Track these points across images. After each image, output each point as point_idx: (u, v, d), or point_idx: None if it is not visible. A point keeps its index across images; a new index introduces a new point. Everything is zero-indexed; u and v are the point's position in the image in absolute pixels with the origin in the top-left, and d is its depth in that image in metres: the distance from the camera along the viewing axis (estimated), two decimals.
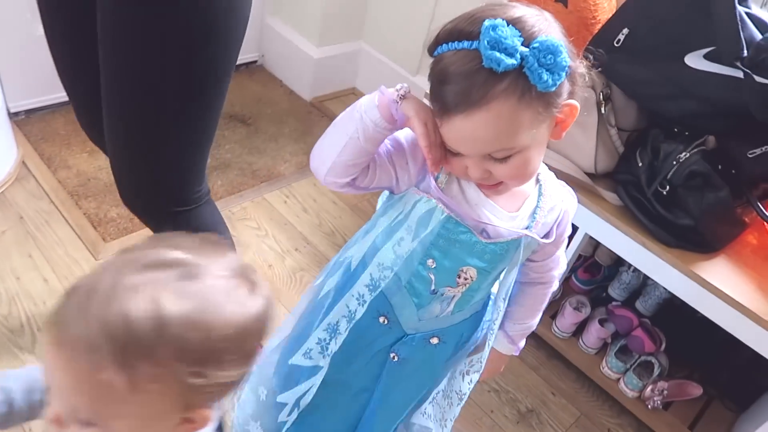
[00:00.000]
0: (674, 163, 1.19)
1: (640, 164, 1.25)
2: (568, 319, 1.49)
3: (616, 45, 1.24)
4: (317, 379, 0.89)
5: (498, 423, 1.41)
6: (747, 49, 1.09)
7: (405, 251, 0.78)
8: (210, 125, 0.97)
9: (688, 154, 1.18)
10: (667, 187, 1.20)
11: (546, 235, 0.80)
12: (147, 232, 1.61)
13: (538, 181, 0.79)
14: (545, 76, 0.59)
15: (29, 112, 1.90)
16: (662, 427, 1.39)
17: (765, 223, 1.28)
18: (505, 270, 0.81)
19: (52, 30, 0.99)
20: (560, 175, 1.35)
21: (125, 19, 0.84)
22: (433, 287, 0.79)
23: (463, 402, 0.99)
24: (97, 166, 1.78)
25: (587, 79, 0.67)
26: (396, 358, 0.88)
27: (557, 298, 1.57)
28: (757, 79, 1.09)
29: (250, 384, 1.01)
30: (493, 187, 0.70)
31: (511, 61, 0.58)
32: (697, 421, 1.42)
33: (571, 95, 0.65)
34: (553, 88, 0.60)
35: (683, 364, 1.50)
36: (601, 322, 1.47)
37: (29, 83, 1.84)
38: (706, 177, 1.17)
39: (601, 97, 1.27)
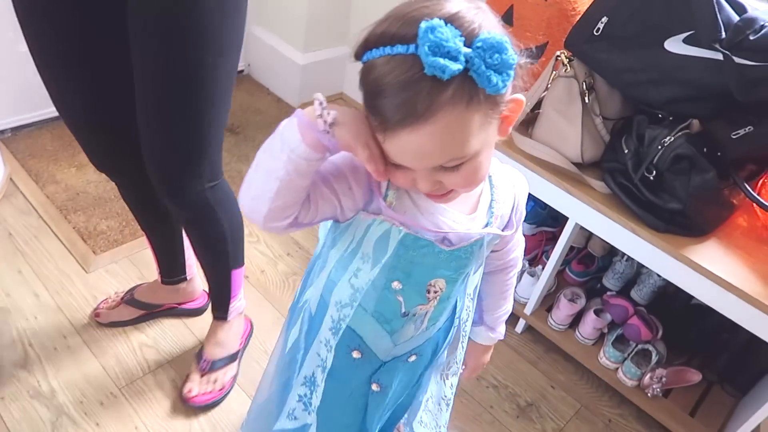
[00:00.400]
0: (659, 147, 1.19)
1: (626, 151, 1.25)
2: (563, 311, 1.48)
3: (595, 34, 1.25)
4: None
5: (498, 418, 1.40)
6: (725, 31, 1.10)
7: (364, 282, 0.73)
8: (230, 97, 1.02)
9: (672, 138, 1.18)
10: (654, 172, 1.20)
11: (506, 226, 0.78)
12: (137, 243, 1.61)
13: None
14: (494, 78, 0.54)
15: (15, 129, 1.89)
16: (663, 414, 1.38)
17: (754, 205, 1.28)
18: (471, 270, 0.78)
19: (40, 43, 0.97)
20: (547, 165, 1.36)
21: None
22: (403, 310, 0.76)
23: (451, 406, 0.99)
24: (85, 180, 1.78)
25: (528, 69, 0.62)
26: (378, 388, 0.85)
27: (552, 291, 1.57)
28: (737, 60, 1.09)
29: None
30: (443, 196, 0.65)
31: (456, 66, 0.52)
32: (698, 407, 1.41)
33: (515, 89, 0.61)
34: (504, 90, 0.56)
35: (681, 352, 1.49)
36: (597, 313, 1.47)
37: (14, 101, 1.84)
38: (692, 160, 1.17)
39: (584, 86, 1.28)
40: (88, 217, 1.67)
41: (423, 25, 0.52)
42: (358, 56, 0.59)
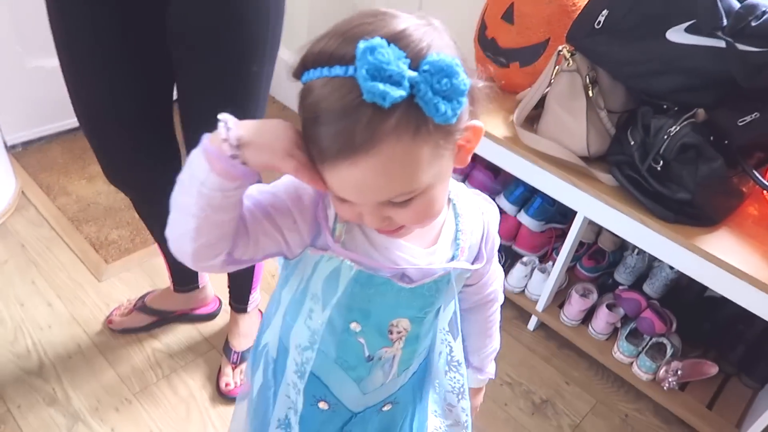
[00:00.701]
0: (665, 137, 1.19)
1: (632, 143, 1.25)
2: (575, 306, 1.47)
3: (596, 27, 1.25)
4: None
5: (513, 416, 1.39)
6: (726, 19, 1.10)
7: (319, 324, 0.67)
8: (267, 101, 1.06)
9: (678, 128, 1.18)
10: (661, 162, 1.20)
11: (476, 259, 0.70)
12: (148, 251, 1.62)
13: (449, 200, 0.68)
14: (442, 106, 0.47)
15: (26, 144, 1.92)
16: (680, 408, 1.36)
17: (764, 192, 1.28)
18: (441, 307, 0.72)
19: (78, 42, 0.95)
20: (553, 160, 1.36)
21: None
22: (367, 353, 0.70)
23: (470, 428, 0.89)
24: (95, 191, 1.80)
25: (488, 92, 0.56)
26: None
27: (563, 287, 1.56)
28: (739, 47, 1.10)
29: None
30: (393, 231, 0.58)
31: (398, 93, 0.46)
32: (716, 399, 1.39)
33: (473, 115, 0.55)
34: (454, 119, 0.49)
35: (696, 344, 1.48)
36: (610, 307, 1.46)
37: (24, 116, 1.87)
38: (699, 149, 1.17)
39: (588, 80, 1.28)
40: (100, 227, 1.69)
41: (361, 45, 0.46)
42: (296, 75, 0.52)
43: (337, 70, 0.48)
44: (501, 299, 0.83)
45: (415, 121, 0.48)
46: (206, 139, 0.52)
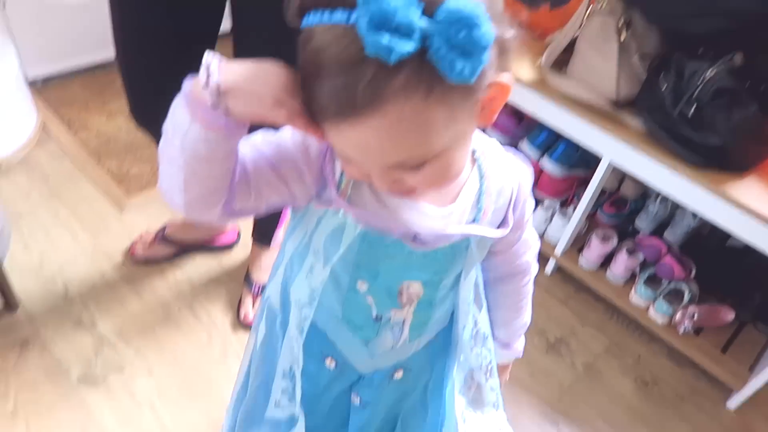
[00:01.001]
0: (700, 81, 1.16)
1: (664, 87, 1.22)
2: (594, 251, 1.48)
3: None
4: (300, 428, 0.74)
5: (526, 352, 1.39)
6: None
7: (319, 281, 0.62)
8: None
9: (714, 72, 1.16)
10: (694, 107, 1.18)
11: (501, 224, 0.63)
12: None
13: (474, 159, 0.61)
14: (459, 64, 0.40)
15: (46, 80, 1.91)
16: (694, 350, 1.39)
17: None
18: (462, 274, 0.65)
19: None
20: (581, 104, 1.34)
21: None
22: (375, 313, 0.65)
23: (501, 406, 0.84)
24: (116, 127, 1.79)
25: (521, 38, 0.48)
26: (359, 402, 0.75)
27: (583, 233, 1.56)
28: None
29: None
30: (405, 193, 0.52)
31: (407, 47, 0.39)
32: (730, 344, 1.41)
33: (501, 68, 0.47)
34: (473, 79, 0.41)
35: (714, 292, 1.49)
36: (629, 252, 1.46)
37: (45, 51, 1.85)
38: (734, 94, 1.14)
39: (621, 22, 1.25)
40: (120, 162, 1.69)
41: None
42: (295, 17, 0.44)
43: (339, 16, 0.41)
44: (535, 270, 0.76)
45: (427, 79, 0.41)
46: (188, 83, 0.46)
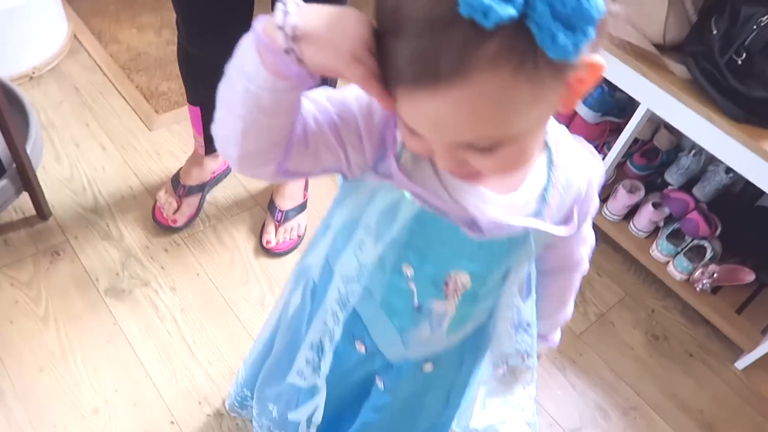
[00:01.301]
0: (754, 27, 1.09)
1: (714, 32, 1.15)
2: (620, 201, 1.45)
3: None
4: (320, 399, 0.73)
5: None
6: None
7: (369, 259, 0.59)
8: None
9: None
10: (744, 55, 1.11)
11: (565, 221, 0.59)
12: None
13: (546, 144, 0.56)
14: (561, 36, 0.36)
15: None
16: (708, 309, 1.38)
17: None
18: (512, 269, 0.62)
19: None
20: (623, 45, 1.26)
21: None
22: (416, 301, 0.61)
23: (533, 382, 0.80)
24: (146, 41, 1.78)
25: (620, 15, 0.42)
26: (382, 386, 0.73)
27: (610, 182, 1.53)
28: None
29: (258, 400, 0.87)
30: (468, 176, 0.49)
31: (508, 12, 0.34)
32: (745, 306, 1.40)
33: (594, 46, 0.41)
34: (574, 55, 0.37)
35: (736, 252, 1.46)
36: (655, 206, 1.43)
37: None
38: None
39: None
40: (150, 78, 1.69)
41: None
42: None
43: None
44: (586, 268, 0.72)
45: (521, 50, 0.37)
46: (259, 23, 0.42)
